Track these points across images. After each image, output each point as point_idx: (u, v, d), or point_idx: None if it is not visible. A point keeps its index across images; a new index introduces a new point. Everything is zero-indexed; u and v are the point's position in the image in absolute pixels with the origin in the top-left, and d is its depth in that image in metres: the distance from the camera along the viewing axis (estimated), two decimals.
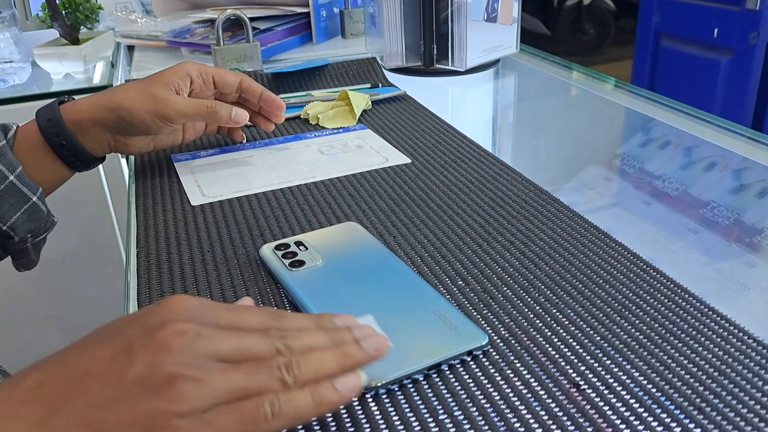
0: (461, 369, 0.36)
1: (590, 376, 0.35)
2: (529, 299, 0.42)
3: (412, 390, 0.35)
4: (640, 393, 0.34)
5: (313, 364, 0.31)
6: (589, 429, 0.32)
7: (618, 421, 0.32)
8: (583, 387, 0.35)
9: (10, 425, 0.27)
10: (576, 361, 0.37)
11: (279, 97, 0.69)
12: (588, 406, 0.33)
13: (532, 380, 0.35)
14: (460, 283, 0.45)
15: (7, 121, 0.59)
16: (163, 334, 0.29)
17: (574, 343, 0.38)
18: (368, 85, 0.90)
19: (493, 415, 0.33)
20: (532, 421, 0.33)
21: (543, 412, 0.33)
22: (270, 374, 0.30)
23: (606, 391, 0.34)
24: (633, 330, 0.39)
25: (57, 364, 0.30)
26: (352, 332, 0.33)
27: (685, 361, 0.36)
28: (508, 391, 0.35)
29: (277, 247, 0.48)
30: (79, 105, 0.60)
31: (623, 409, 0.33)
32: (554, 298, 0.43)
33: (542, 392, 0.34)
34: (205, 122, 0.69)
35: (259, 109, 0.70)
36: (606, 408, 0.33)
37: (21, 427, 0.27)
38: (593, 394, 0.34)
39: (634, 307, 0.41)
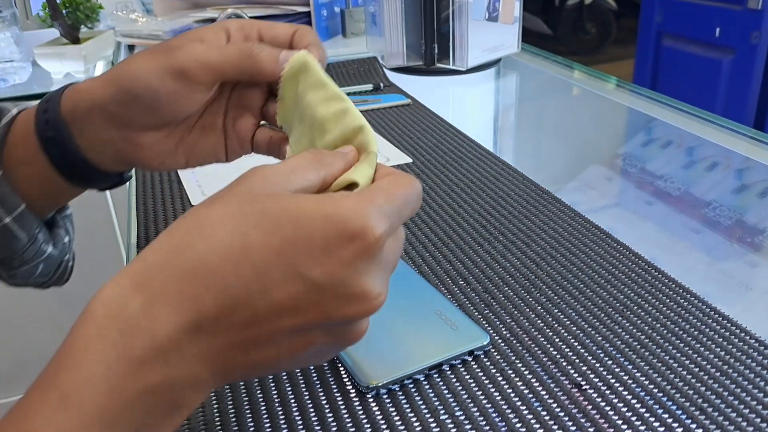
0: (462, 369, 0.36)
1: (592, 376, 0.35)
2: (530, 299, 0.42)
3: (413, 390, 0.35)
4: (642, 393, 0.34)
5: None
6: (591, 429, 0.32)
7: (620, 422, 0.32)
8: (584, 387, 0.35)
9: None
10: (577, 361, 0.37)
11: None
12: (589, 406, 0.33)
13: (533, 380, 0.35)
14: (462, 282, 0.45)
15: (16, 103, 0.42)
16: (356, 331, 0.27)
17: (576, 343, 0.38)
18: (370, 87, 0.90)
19: (494, 415, 0.33)
20: (533, 421, 0.32)
21: (544, 412, 0.33)
22: None
23: (607, 391, 0.34)
24: (635, 330, 0.39)
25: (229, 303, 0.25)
26: None
27: (687, 361, 0.36)
28: (510, 391, 0.35)
29: None
30: (85, 83, 0.39)
31: (625, 409, 0.33)
32: (556, 298, 0.42)
33: (544, 392, 0.34)
34: (245, 80, 0.39)
35: None
36: (607, 408, 0.33)
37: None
38: (595, 394, 0.34)
39: (635, 307, 0.41)
